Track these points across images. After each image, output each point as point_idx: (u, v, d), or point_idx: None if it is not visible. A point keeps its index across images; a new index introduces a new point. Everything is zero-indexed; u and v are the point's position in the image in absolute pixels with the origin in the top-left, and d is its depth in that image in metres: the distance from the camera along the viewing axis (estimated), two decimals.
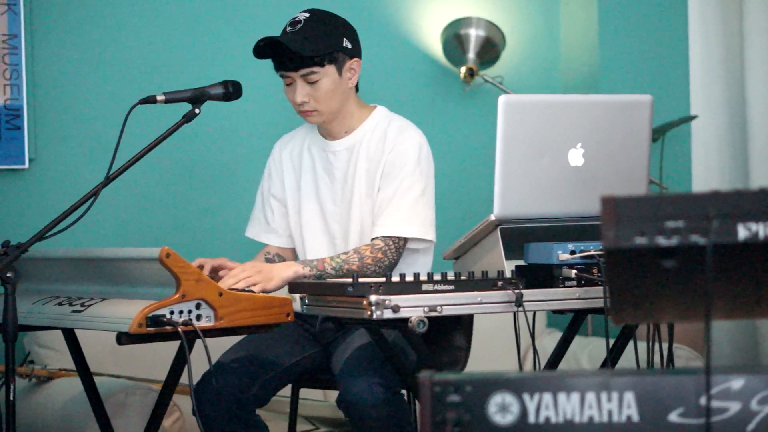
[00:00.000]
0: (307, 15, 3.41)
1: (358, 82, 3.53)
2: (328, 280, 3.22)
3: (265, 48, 3.39)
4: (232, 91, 3.35)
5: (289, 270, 3.24)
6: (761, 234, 1.68)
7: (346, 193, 3.50)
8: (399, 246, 3.38)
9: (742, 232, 1.68)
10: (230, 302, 2.81)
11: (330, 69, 3.40)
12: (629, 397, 1.72)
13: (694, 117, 5.23)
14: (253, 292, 3.05)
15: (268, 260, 3.58)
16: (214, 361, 3.05)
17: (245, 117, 4.80)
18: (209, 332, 2.78)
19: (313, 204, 3.56)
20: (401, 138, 3.44)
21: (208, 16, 4.83)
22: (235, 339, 3.44)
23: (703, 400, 1.71)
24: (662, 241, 1.68)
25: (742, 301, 1.85)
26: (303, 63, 3.39)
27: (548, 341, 4.77)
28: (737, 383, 1.72)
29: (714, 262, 1.66)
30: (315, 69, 3.39)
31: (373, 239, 3.39)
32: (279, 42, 3.35)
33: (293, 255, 3.63)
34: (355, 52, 3.46)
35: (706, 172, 5.28)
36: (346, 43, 3.42)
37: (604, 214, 1.71)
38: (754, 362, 5.11)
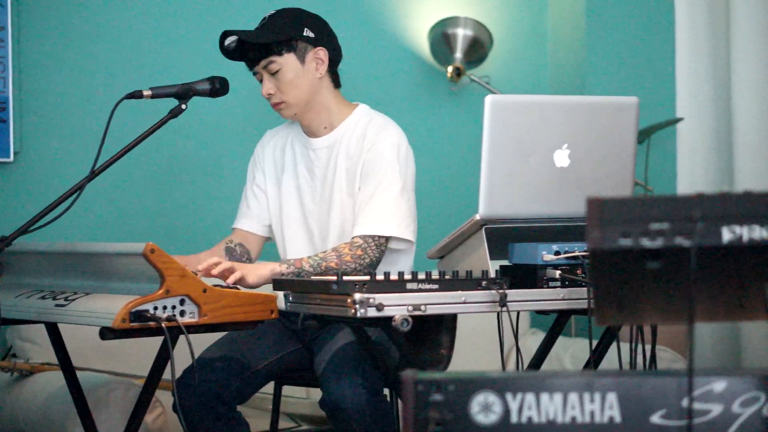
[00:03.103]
0: (273, 11, 3.47)
1: (339, 79, 3.54)
2: (313, 277, 3.21)
3: (233, 51, 3.45)
4: (218, 87, 3.36)
5: (265, 268, 3.24)
6: (745, 237, 1.68)
7: (326, 192, 3.50)
8: (380, 244, 3.38)
9: (727, 235, 1.68)
10: (214, 298, 2.81)
11: (289, 57, 3.44)
12: (612, 398, 1.73)
13: (679, 119, 5.24)
14: (238, 288, 3.05)
15: (229, 248, 3.58)
16: (197, 357, 3.05)
17: (232, 113, 4.79)
18: (193, 328, 2.77)
19: (293, 201, 3.56)
20: (380, 137, 3.45)
21: (196, 11, 4.82)
22: (219, 335, 3.43)
23: (685, 402, 1.72)
24: (647, 242, 1.68)
25: (726, 303, 1.85)
26: (262, 54, 3.44)
27: (532, 341, 4.78)
28: (719, 385, 1.72)
29: (698, 265, 1.66)
30: (273, 58, 3.43)
31: (353, 238, 3.39)
32: (243, 40, 3.40)
33: (259, 244, 3.64)
34: (320, 42, 3.47)
35: (692, 175, 5.30)
36: (308, 33, 3.44)
37: (589, 215, 1.71)
38: (736, 365, 5.12)
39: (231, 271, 3.16)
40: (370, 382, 3.16)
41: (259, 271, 3.23)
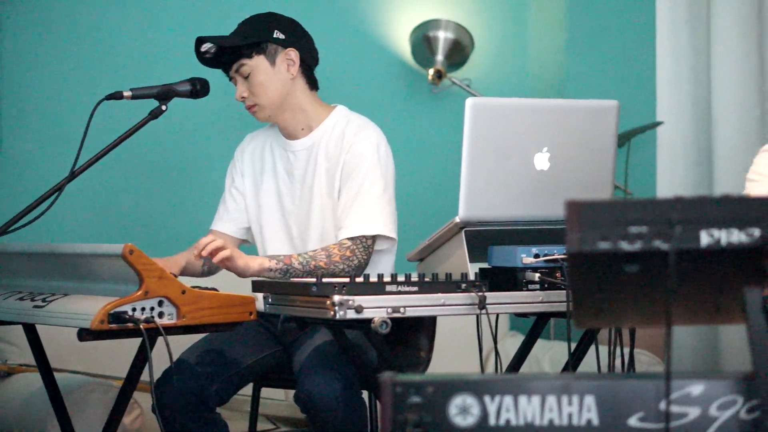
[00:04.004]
0: (247, 18, 3.49)
1: (317, 81, 3.56)
2: (292, 279, 3.21)
3: (209, 58, 3.47)
4: (199, 88, 3.37)
5: (255, 261, 3.25)
6: (723, 241, 1.68)
7: (306, 193, 3.51)
8: (367, 246, 3.39)
9: (705, 239, 1.69)
10: (193, 300, 2.80)
11: (259, 59, 3.46)
12: (589, 400, 1.73)
13: (659, 123, 5.26)
14: (217, 289, 3.05)
15: None
16: (175, 358, 3.04)
17: (212, 115, 4.79)
18: (171, 330, 2.77)
19: (273, 203, 3.57)
20: (359, 137, 3.46)
21: (177, 12, 4.81)
22: (198, 337, 3.43)
23: (662, 405, 1.72)
24: (625, 245, 1.69)
25: (704, 307, 1.86)
26: (234, 58, 3.46)
27: (511, 344, 4.78)
28: (697, 389, 1.73)
29: (676, 268, 1.67)
30: (243, 61, 3.46)
31: (341, 240, 3.39)
32: (216, 44, 3.41)
33: (236, 247, 3.64)
34: (291, 43, 3.48)
35: (671, 178, 5.31)
36: (278, 34, 3.46)
37: (569, 218, 1.71)
38: (714, 368, 5.14)
39: (221, 248, 3.16)
40: (345, 378, 3.15)
41: (249, 260, 3.24)
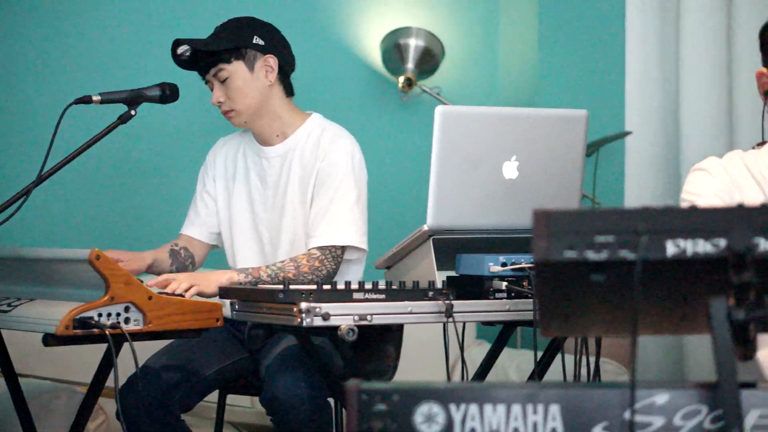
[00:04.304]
0: (226, 21, 3.48)
1: (293, 88, 3.55)
2: (260, 286, 3.21)
3: (185, 60, 3.45)
4: (168, 93, 3.36)
5: (223, 276, 3.24)
6: (689, 251, 1.69)
7: (278, 200, 3.50)
8: (336, 255, 3.39)
9: (671, 249, 1.69)
10: (159, 306, 2.79)
11: (238, 65, 3.44)
12: (554, 409, 1.73)
13: (628, 133, 5.28)
14: (183, 296, 3.04)
15: (173, 252, 3.57)
16: (141, 364, 3.03)
17: (182, 119, 4.77)
18: (137, 336, 2.75)
19: (244, 209, 3.56)
20: (334, 146, 3.45)
21: (148, 17, 4.80)
22: (164, 343, 3.41)
23: (627, 415, 1.72)
24: (592, 255, 1.69)
25: (669, 316, 1.86)
26: (212, 62, 3.44)
27: (477, 352, 4.79)
28: (661, 398, 1.73)
29: (642, 278, 1.67)
30: (222, 66, 3.44)
31: (309, 249, 3.39)
32: (194, 49, 3.40)
33: (205, 251, 3.63)
34: (270, 50, 3.48)
35: (639, 188, 5.33)
36: (258, 40, 3.45)
37: (536, 227, 1.71)
38: (680, 378, 5.16)
39: (188, 288, 3.15)
40: (311, 381, 3.15)
41: (216, 280, 3.22)
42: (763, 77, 2.66)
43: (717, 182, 2.72)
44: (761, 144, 2.75)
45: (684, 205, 2.77)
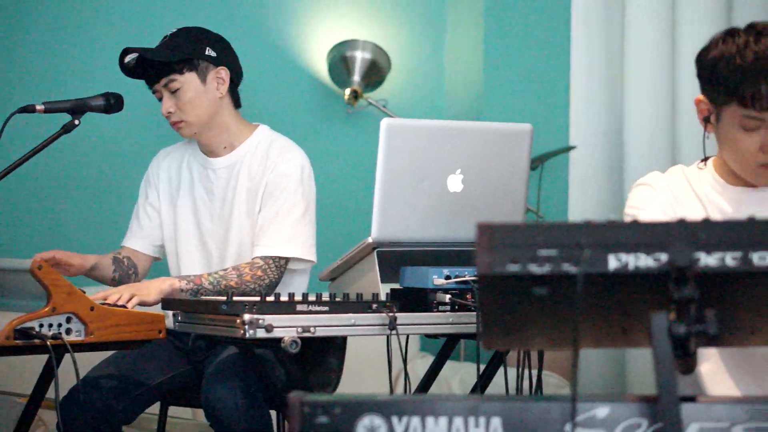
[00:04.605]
0: (174, 30, 3.46)
1: (239, 99, 3.54)
2: (203, 297, 3.19)
3: (133, 69, 3.42)
4: (113, 103, 3.34)
5: (164, 283, 3.22)
6: (631, 265, 1.70)
7: (225, 212, 3.49)
8: (280, 265, 3.38)
9: (613, 263, 1.70)
10: (101, 317, 2.77)
11: (190, 76, 3.42)
12: (496, 422, 1.73)
13: (572, 147, 5.31)
14: (126, 307, 3.02)
15: (117, 259, 3.55)
16: (82, 376, 3.01)
17: (126, 129, 4.75)
18: (79, 347, 2.73)
19: (189, 221, 3.54)
20: (284, 158, 3.45)
21: (93, 26, 4.77)
22: (106, 354, 3.39)
23: (568, 428, 1.73)
24: (534, 268, 1.70)
25: (611, 330, 1.87)
26: (163, 72, 3.42)
27: (421, 365, 4.79)
28: (602, 411, 1.74)
29: (584, 291, 1.68)
30: (174, 77, 3.41)
31: (253, 258, 3.38)
32: (143, 58, 3.37)
33: (148, 263, 3.61)
34: (222, 61, 3.47)
35: (583, 202, 5.36)
36: (210, 52, 3.44)
37: (479, 240, 1.72)
38: (621, 391, 5.19)
39: (129, 298, 3.12)
40: (248, 389, 3.14)
41: (158, 288, 3.20)
42: (701, 104, 2.68)
43: (660, 197, 2.75)
44: (705, 160, 2.78)
45: (628, 219, 2.79)
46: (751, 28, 2.58)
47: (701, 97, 2.68)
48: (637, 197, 2.81)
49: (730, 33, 2.60)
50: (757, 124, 2.56)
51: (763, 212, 2.66)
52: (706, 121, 2.68)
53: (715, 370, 2.66)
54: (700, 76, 2.67)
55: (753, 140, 2.59)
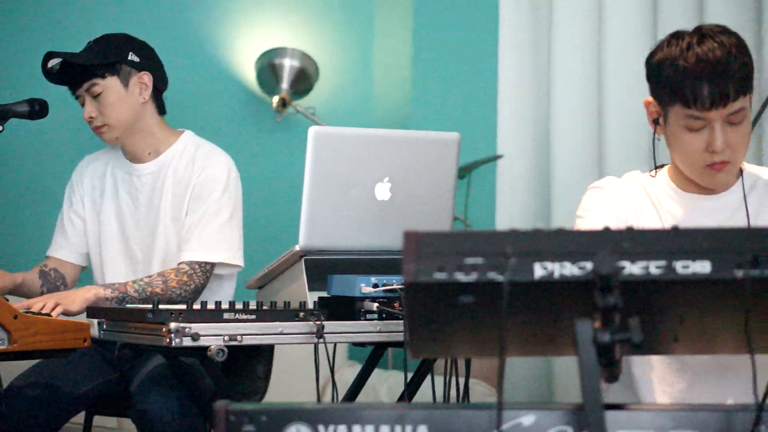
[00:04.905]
0: (99, 36, 3.46)
1: (164, 105, 3.53)
2: (128, 305, 3.17)
3: (56, 74, 3.40)
4: (38, 108, 3.31)
5: (89, 292, 3.20)
6: (557, 273, 1.71)
7: (151, 218, 3.47)
8: (206, 270, 3.37)
9: (539, 271, 1.71)
10: (25, 325, 2.74)
11: (112, 80, 3.42)
12: (423, 430, 1.74)
13: (499, 156, 5.33)
14: (50, 315, 2.99)
15: (44, 273, 3.52)
16: (5, 385, 2.97)
17: (51, 135, 4.70)
18: (2, 355, 2.70)
19: (113, 227, 3.52)
20: (210, 162, 3.45)
21: (19, 32, 4.73)
22: (30, 363, 3.35)
23: None
24: (461, 276, 1.70)
25: (537, 338, 1.88)
26: (85, 76, 3.41)
27: (349, 373, 4.79)
28: (528, 419, 1.75)
29: (510, 300, 1.69)
30: (96, 81, 3.41)
31: (179, 264, 3.37)
32: (66, 62, 3.36)
33: (76, 272, 3.59)
34: (145, 67, 3.46)
35: (510, 211, 5.38)
36: (132, 57, 3.43)
37: (406, 248, 1.72)
38: (548, 399, 5.21)
39: (53, 307, 3.09)
40: (181, 397, 3.13)
41: (82, 296, 3.17)
42: (650, 106, 2.73)
43: (613, 201, 2.78)
44: (659, 168, 2.82)
45: (578, 221, 2.82)
46: (697, 30, 2.64)
47: (650, 99, 2.72)
48: (588, 200, 2.83)
49: (676, 36, 2.66)
50: (702, 124, 2.61)
51: (718, 219, 2.71)
52: (655, 123, 2.73)
53: (651, 376, 2.70)
54: (648, 78, 2.72)
55: (698, 140, 2.64)
